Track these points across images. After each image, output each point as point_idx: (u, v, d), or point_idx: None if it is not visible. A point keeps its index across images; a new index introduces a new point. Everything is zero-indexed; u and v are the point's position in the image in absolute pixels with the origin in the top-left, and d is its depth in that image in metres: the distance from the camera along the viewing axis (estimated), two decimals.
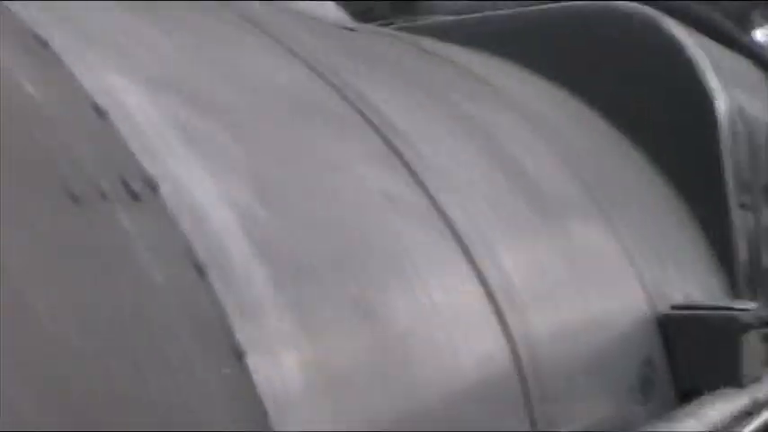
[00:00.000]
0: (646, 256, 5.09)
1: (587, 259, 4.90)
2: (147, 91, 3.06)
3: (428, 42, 5.40)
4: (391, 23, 5.94)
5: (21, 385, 2.16)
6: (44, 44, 2.66)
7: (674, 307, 5.07)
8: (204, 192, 2.96)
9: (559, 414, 4.14)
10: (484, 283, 3.97)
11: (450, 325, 3.80)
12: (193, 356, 2.59)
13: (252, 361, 2.77)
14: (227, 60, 3.87)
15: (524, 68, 5.83)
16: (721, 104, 5.94)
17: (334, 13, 5.14)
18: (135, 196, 2.57)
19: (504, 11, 6.33)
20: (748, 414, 4.95)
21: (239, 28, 4.10)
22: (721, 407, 4.74)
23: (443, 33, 5.79)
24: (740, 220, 5.84)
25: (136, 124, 2.84)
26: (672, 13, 6.27)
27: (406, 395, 3.47)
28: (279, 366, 2.97)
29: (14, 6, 2.73)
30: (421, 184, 4.01)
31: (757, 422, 4.98)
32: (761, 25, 7.53)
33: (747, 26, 7.38)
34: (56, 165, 2.44)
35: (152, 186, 2.63)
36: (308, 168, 3.66)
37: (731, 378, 5.09)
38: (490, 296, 3.96)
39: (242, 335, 2.72)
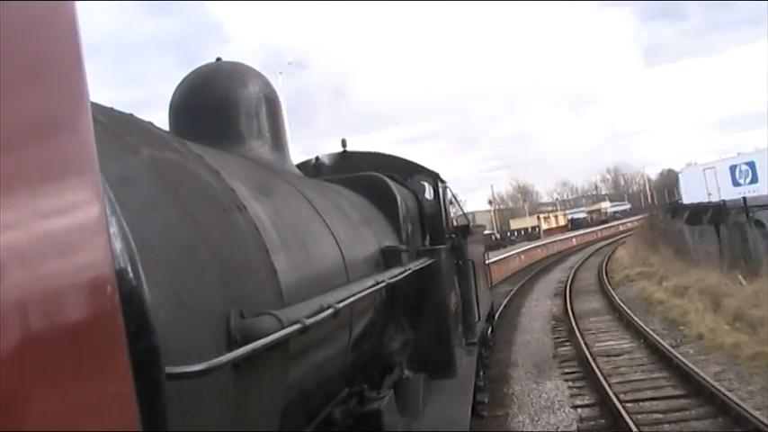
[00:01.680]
0: (379, 236, 5.01)
1: (354, 235, 4.76)
2: (249, 188, 2.91)
3: (326, 183, 5.24)
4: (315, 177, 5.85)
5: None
6: (216, 172, 2.65)
7: (386, 247, 4.85)
8: (261, 214, 2.79)
9: (354, 273, 4.01)
10: (334, 237, 3.78)
11: (326, 248, 3.73)
12: (255, 260, 2.49)
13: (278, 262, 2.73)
14: (274, 184, 3.59)
15: (350, 192, 5.55)
16: (399, 202, 5.78)
17: (300, 174, 5.03)
18: (241, 210, 2.58)
19: (343, 175, 5.97)
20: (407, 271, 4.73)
21: (272, 173, 3.92)
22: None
23: (330, 182, 5.40)
24: (405, 231, 5.76)
25: (245, 197, 2.73)
26: (389, 176, 6.14)
27: (316, 268, 3.42)
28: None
29: (206, 155, 2.72)
30: (322, 217, 3.80)
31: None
32: (417, 180, 7.34)
33: (408, 179, 7.22)
34: (222, 202, 2.45)
35: (245, 208, 2.65)
36: (291, 209, 3.47)
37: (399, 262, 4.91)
38: (336, 241, 3.80)
39: (273, 255, 2.68)
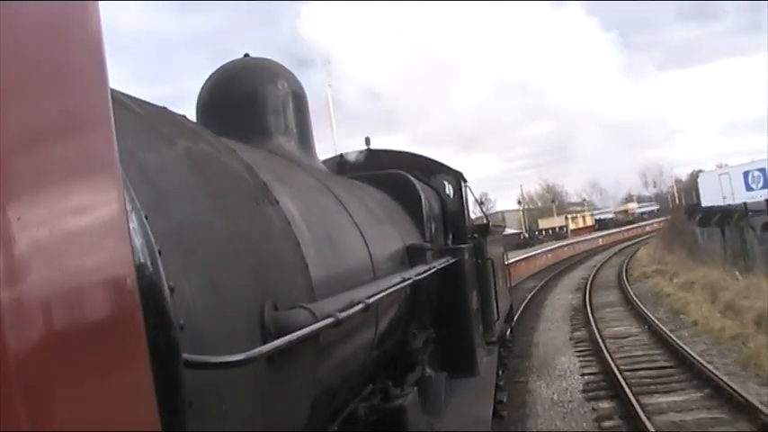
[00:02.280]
0: (403, 233, 4.97)
1: (379, 232, 4.72)
2: (280, 184, 2.94)
3: (351, 180, 5.19)
4: (342, 175, 5.81)
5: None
6: (249, 166, 2.64)
7: (410, 245, 4.80)
8: (292, 209, 2.80)
9: (380, 269, 3.99)
10: (361, 234, 3.77)
11: (353, 243, 3.72)
12: (287, 252, 2.52)
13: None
14: (303, 180, 3.65)
15: (375, 189, 5.53)
16: (423, 200, 5.73)
17: (326, 170, 5.00)
18: (273, 204, 2.58)
19: (368, 173, 5.93)
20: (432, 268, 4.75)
21: (300, 169, 3.95)
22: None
23: (355, 179, 5.36)
24: (428, 230, 5.70)
25: (277, 191, 2.74)
26: (413, 175, 6.10)
27: (344, 263, 3.41)
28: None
29: (238, 149, 2.69)
30: (349, 213, 3.79)
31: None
32: (440, 179, 7.27)
33: (431, 178, 7.15)
34: (255, 195, 2.45)
35: (277, 202, 2.63)
36: (320, 205, 3.48)
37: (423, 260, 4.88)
38: (363, 238, 3.78)
39: (304, 248, 2.68)
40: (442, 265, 5.22)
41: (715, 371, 9.37)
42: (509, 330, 11.60)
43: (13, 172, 0.87)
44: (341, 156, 6.82)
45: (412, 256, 4.73)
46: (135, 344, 1.13)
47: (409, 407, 3.83)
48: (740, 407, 7.86)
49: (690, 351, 10.76)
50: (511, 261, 15.35)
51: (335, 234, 3.35)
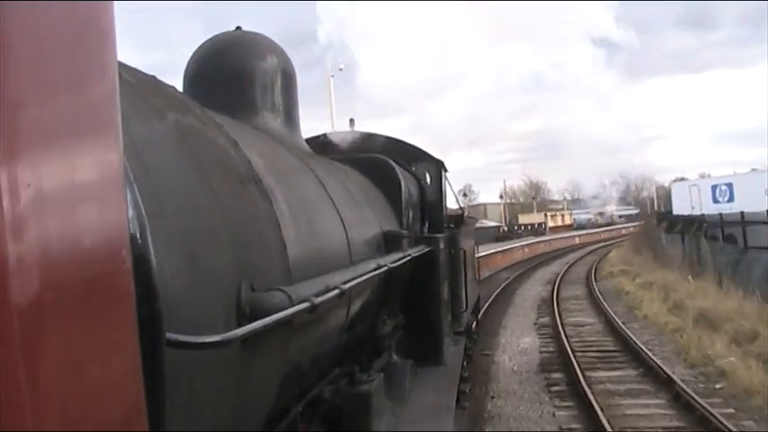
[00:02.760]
0: (381, 218, 4.98)
1: (358, 216, 4.74)
2: (264, 162, 2.92)
3: (333, 162, 5.17)
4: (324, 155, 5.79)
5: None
6: (235, 143, 2.62)
7: (387, 231, 4.83)
8: (274, 188, 2.77)
9: (356, 254, 4.01)
10: (340, 218, 3.77)
11: (332, 227, 3.74)
12: (267, 233, 2.54)
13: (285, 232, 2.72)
14: (286, 159, 3.63)
15: (356, 172, 5.53)
16: (403, 186, 5.77)
17: (309, 150, 4.98)
18: (257, 182, 2.57)
19: (350, 155, 5.93)
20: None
21: (284, 148, 3.94)
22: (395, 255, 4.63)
23: (337, 161, 5.33)
24: (405, 216, 5.72)
25: (261, 170, 2.76)
26: (394, 160, 6.11)
27: (322, 245, 3.42)
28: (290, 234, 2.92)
29: (225, 125, 2.67)
30: (329, 195, 3.79)
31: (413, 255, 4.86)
32: (421, 167, 7.28)
33: (412, 165, 7.14)
34: (239, 173, 2.44)
35: (260, 181, 2.63)
36: (301, 185, 3.46)
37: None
38: (342, 221, 3.78)
39: (283, 229, 2.69)
40: (418, 254, 5.25)
41: (653, 356, 11.22)
42: (475, 322, 11.73)
43: (21, 131, 0.90)
44: (324, 135, 6.80)
45: (388, 242, 4.74)
46: (124, 302, 1.16)
47: (374, 392, 3.88)
48: (664, 381, 9.83)
49: (636, 339, 12.67)
50: (489, 252, 17.16)
51: (315, 216, 3.36)
